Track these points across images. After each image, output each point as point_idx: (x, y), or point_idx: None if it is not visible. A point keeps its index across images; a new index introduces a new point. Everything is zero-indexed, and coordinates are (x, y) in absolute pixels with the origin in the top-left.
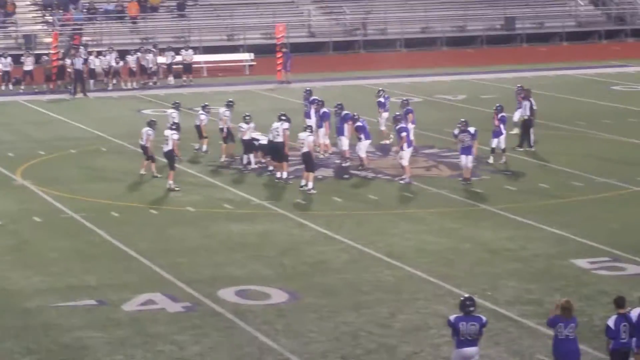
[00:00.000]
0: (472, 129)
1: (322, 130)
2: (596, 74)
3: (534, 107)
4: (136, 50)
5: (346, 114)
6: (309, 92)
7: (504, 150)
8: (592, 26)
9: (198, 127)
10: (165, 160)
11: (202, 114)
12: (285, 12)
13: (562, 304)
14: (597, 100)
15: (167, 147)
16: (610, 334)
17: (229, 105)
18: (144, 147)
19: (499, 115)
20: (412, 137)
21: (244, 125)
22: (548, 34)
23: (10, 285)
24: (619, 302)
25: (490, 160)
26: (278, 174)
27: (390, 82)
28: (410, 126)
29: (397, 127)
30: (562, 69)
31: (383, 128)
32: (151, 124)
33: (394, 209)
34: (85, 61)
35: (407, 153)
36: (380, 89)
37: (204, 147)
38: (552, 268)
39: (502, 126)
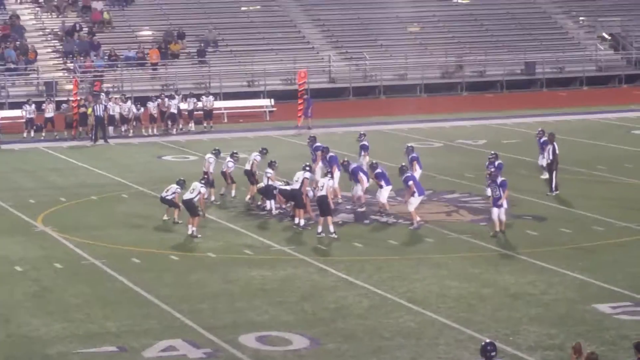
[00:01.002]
0: (499, 179)
1: (336, 175)
2: (616, 118)
3: (557, 152)
4: (157, 97)
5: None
6: (312, 139)
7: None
8: (612, 70)
9: (224, 174)
10: (184, 207)
11: (230, 161)
12: (306, 58)
13: (573, 346)
14: (618, 145)
15: (190, 196)
16: None
17: (262, 152)
18: (224, 174)
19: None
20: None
21: (270, 171)
22: (568, 79)
23: (31, 331)
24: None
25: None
26: (296, 220)
27: (411, 127)
28: (418, 172)
29: (403, 177)
30: (583, 113)
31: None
32: (234, 156)
33: (414, 254)
34: (106, 108)
35: (416, 200)
36: (362, 132)
37: (233, 192)
38: (573, 313)
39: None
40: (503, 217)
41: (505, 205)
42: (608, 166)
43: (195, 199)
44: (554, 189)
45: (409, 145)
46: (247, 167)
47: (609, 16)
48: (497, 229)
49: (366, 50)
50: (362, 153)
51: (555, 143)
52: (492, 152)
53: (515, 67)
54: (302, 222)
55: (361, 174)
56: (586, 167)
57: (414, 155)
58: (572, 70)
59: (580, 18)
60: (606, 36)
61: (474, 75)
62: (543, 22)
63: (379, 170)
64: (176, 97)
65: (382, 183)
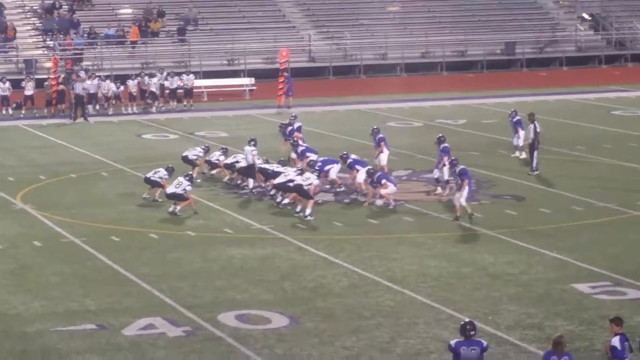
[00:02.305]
0: (458, 167)
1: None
2: (596, 99)
3: (538, 130)
4: (137, 75)
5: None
6: (285, 126)
7: (448, 182)
8: (592, 51)
9: (209, 162)
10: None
11: (221, 155)
12: (286, 37)
13: (554, 339)
14: (597, 125)
15: (174, 190)
16: (617, 354)
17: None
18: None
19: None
20: (384, 163)
21: (255, 149)
22: (548, 59)
23: (10, 309)
24: (619, 322)
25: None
26: (278, 199)
27: (391, 107)
28: (386, 152)
29: (457, 171)
30: (562, 93)
31: (294, 156)
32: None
33: (394, 234)
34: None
35: (391, 189)
36: (293, 114)
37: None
38: (552, 292)
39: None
40: (463, 202)
41: (464, 192)
42: (587, 146)
43: (181, 193)
44: (534, 168)
45: (375, 127)
46: (250, 161)
47: None
48: (458, 213)
49: (347, 29)
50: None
51: (536, 122)
52: (441, 135)
53: (496, 47)
54: (309, 211)
55: (357, 166)
56: (566, 148)
57: (380, 136)
58: (552, 51)
59: None
60: (586, 17)
61: (454, 54)
62: (523, 2)
63: (350, 160)
64: (157, 75)
65: (358, 167)
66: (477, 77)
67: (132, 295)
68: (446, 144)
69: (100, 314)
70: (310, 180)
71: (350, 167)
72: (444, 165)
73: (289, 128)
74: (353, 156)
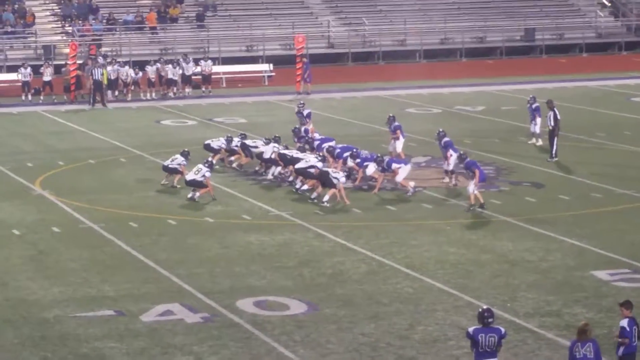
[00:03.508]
0: (466, 160)
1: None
2: (616, 85)
3: (558, 117)
4: (156, 61)
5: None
6: (302, 105)
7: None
8: (612, 37)
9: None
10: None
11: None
12: (304, 23)
13: (578, 327)
14: (617, 112)
15: (193, 177)
16: (626, 334)
17: (278, 139)
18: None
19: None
20: (400, 150)
21: (277, 146)
22: (568, 45)
23: (29, 295)
24: (629, 305)
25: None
26: (298, 185)
27: (410, 93)
28: (401, 140)
29: (464, 163)
30: (582, 80)
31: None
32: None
33: (413, 220)
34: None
35: (405, 170)
36: (301, 102)
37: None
38: (571, 280)
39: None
40: (475, 191)
41: (474, 182)
42: (607, 133)
43: (200, 179)
44: (553, 155)
45: (391, 115)
46: (267, 155)
47: None
48: (472, 202)
49: (365, 15)
50: (307, 120)
51: (555, 109)
52: (441, 129)
53: (515, 33)
54: (327, 197)
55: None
56: (585, 134)
57: (396, 124)
58: (571, 37)
59: None
60: (606, 3)
61: (473, 41)
62: None
63: (359, 159)
64: (182, 62)
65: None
66: (496, 64)
67: (150, 282)
68: (447, 138)
69: (119, 300)
70: (337, 175)
71: (359, 166)
72: (450, 155)
73: (306, 111)
74: (363, 153)
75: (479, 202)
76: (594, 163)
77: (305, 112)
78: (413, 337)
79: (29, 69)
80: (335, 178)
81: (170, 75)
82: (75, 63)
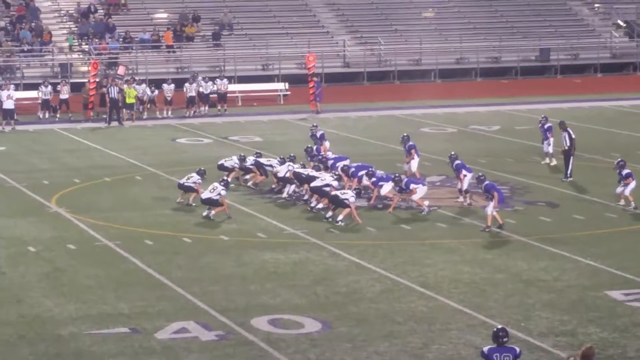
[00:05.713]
0: (484, 183)
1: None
2: (631, 106)
3: (573, 137)
4: (172, 80)
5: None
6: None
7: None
8: (627, 58)
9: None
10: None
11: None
12: (320, 42)
13: (582, 351)
14: (632, 132)
15: (209, 195)
16: None
17: (293, 158)
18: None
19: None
20: (415, 169)
21: (293, 166)
22: (583, 66)
23: (44, 312)
24: None
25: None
26: (313, 203)
27: (425, 113)
28: (416, 159)
29: (483, 185)
30: (597, 100)
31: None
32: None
33: (427, 239)
34: (121, 90)
35: (422, 190)
36: (314, 124)
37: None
38: (586, 299)
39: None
40: (494, 212)
41: (492, 204)
42: (622, 153)
43: (216, 198)
44: (568, 175)
45: (405, 134)
46: (282, 174)
47: (624, 3)
48: (489, 223)
49: (381, 35)
50: (322, 142)
51: (569, 129)
52: (452, 152)
53: (530, 53)
54: (341, 217)
55: (382, 182)
56: (600, 154)
57: (410, 143)
58: (586, 57)
59: (596, 5)
60: (621, 23)
61: (488, 61)
62: (558, 9)
63: (374, 178)
64: (199, 80)
65: (382, 183)
66: (511, 84)
67: (165, 299)
68: (458, 161)
69: (134, 318)
70: (347, 195)
71: (374, 185)
72: (464, 176)
73: (319, 133)
74: (379, 173)
75: (496, 222)
76: (608, 183)
77: (318, 134)
78: (427, 356)
79: (49, 87)
80: (346, 199)
81: (190, 93)
82: (95, 82)
